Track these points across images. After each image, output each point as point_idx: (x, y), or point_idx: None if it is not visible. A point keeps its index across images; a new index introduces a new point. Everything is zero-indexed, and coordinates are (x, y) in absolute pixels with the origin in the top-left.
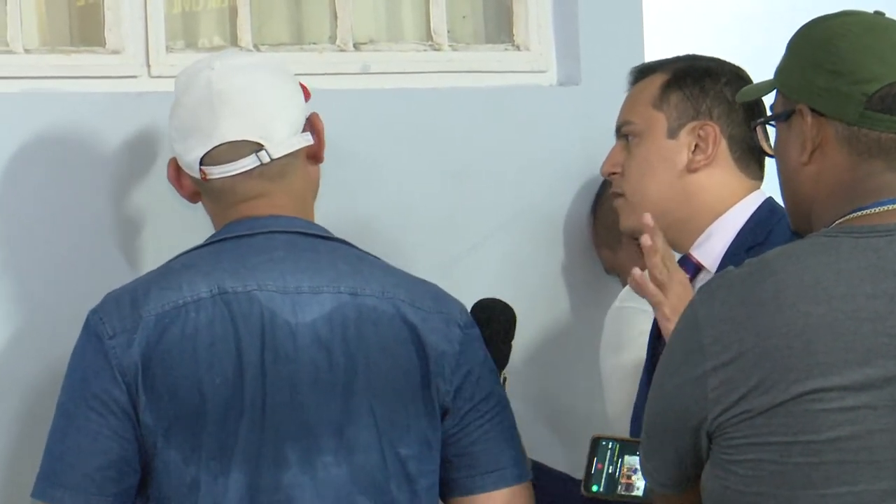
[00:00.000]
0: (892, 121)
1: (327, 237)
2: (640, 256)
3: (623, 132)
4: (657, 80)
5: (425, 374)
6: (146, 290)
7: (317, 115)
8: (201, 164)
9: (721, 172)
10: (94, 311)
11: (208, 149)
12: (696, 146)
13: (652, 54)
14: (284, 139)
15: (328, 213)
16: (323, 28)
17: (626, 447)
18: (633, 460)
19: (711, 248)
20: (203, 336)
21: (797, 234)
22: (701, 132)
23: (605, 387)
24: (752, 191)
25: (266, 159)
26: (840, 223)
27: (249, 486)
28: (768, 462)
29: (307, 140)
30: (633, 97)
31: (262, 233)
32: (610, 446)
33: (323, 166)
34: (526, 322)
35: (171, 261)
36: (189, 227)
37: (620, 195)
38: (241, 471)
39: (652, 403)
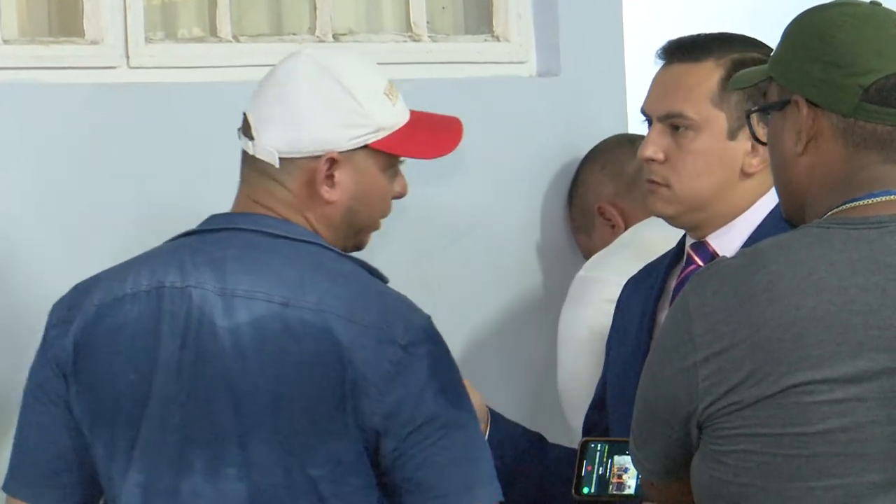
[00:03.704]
0: (888, 113)
1: (296, 239)
2: (612, 239)
3: (673, 123)
4: (713, 74)
5: (341, 395)
6: (99, 280)
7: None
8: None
9: (764, 170)
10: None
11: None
12: (751, 146)
13: (631, 46)
14: (266, 144)
15: None
16: (302, 19)
17: (615, 447)
18: (622, 460)
19: (731, 240)
20: (128, 330)
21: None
22: None
23: (560, 353)
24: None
25: (250, 150)
26: (832, 214)
27: (146, 487)
28: (757, 453)
29: (272, 159)
30: (683, 86)
31: (228, 229)
32: (599, 448)
33: None
34: (507, 312)
35: (161, 244)
36: (170, 217)
37: (662, 185)
38: (139, 471)
39: (642, 393)
